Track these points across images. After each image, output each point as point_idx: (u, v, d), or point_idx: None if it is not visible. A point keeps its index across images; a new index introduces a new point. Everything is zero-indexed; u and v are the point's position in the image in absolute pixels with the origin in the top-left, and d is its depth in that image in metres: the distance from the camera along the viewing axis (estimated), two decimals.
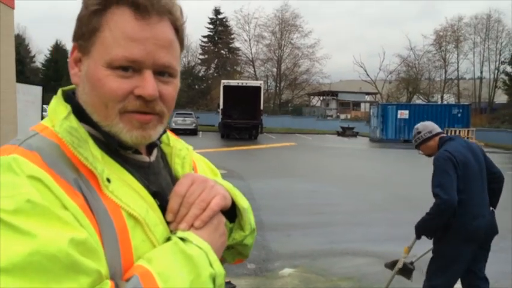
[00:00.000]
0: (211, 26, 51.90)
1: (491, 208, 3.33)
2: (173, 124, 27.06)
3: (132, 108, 0.78)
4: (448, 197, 3.02)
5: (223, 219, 0.85)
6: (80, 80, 0.82)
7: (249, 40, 48.29)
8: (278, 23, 47.11)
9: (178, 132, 22.17)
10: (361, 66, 62.09)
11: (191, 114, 30.96)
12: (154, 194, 0.83)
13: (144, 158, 0.88)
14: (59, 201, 0.69)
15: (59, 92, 0.87)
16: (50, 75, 50.92)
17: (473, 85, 46.36)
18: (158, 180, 0.87)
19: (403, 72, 48.10)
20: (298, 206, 8.25)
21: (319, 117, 44.12)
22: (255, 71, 48.28)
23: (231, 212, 0.89)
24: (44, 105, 8.63)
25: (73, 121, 0.79)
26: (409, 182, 11.77)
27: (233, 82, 28.64)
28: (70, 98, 0.84)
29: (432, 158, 3.33)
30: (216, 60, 51.05)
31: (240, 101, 25.97)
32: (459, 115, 28.45)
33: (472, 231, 3.17)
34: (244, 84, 28.06)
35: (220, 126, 26.85)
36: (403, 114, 28.64)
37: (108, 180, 0.76)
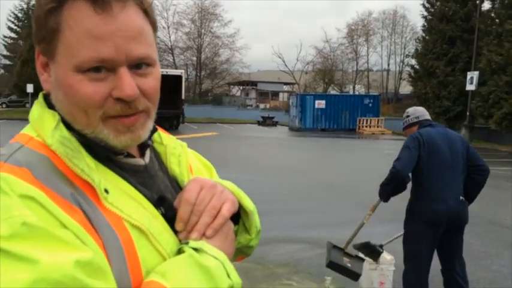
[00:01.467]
0: None
1: (461, 198, 3.36)
2: None
3: (114, 113, 0.71)
4: (400, 168, 3.23)
5: (232, 225, 0.82)
6: (51, 86, 0.74)
7: (168, 27, 46.99)
8: (198, 10, 46.35)
9: None
10: (280, 57, 63.71)
11: None
12: (161, 200, 0.78)
13: (139, 161, 0.82)
14: (56, 220, 0.63)
15: (40, 96, 0.78)
16: None
17: (381, 77, 49.74)
18: (156, 184, 0.82)
19: (319, 63, 50.08)
20: None
21: (240, 107, 44.44)
22: (174, 59, 47.16)
23: (234, 214, 0.85)
24: None
25: (64, 130, 0.72)
26: (330, 169, 12.39)
27: None
28: (52, 104, 0.76)
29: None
30: None
31: (160, 90, 25.23)
32: (370, 105, 30.38)
33: (429, 213, 3.31)
34: (164, 73, 27.27)
35: None
36: (320, 104, 29.88)
37: (106, 191, 0.71)
